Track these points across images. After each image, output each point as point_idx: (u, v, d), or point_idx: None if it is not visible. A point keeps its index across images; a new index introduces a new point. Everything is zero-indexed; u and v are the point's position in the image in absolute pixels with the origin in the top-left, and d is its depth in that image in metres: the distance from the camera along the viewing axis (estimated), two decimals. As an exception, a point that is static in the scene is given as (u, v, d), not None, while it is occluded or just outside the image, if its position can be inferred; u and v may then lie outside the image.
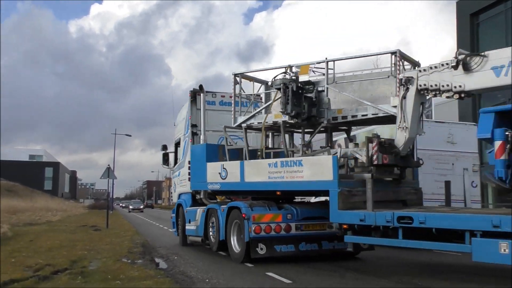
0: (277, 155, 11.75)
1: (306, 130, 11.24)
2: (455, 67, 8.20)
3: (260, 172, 11.06)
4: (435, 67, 8.60)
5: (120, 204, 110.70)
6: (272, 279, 8.89)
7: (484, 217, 7.30)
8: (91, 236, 18.66)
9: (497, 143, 7.58)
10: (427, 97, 9.52)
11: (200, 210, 13.62)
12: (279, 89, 10.32)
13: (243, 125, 12.00)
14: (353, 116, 10.33)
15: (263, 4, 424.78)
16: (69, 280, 8.54)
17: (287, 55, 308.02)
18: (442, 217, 7.96)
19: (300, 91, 10.36)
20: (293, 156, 11.04)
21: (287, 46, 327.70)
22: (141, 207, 73.92)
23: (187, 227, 14.67)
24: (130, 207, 73.26)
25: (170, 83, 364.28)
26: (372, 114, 9.98)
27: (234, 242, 11.50)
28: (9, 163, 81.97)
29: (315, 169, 9.82)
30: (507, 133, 7.56)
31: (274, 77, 10.95)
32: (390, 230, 8.35)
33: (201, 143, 13.62)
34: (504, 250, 6.87)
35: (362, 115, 10.15)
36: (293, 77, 10.57)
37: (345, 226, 9.22)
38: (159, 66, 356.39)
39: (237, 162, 11.82)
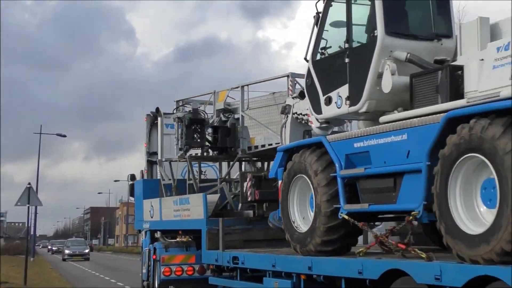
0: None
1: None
2: (300, 97, 7.81)
3: (169, 211, 10.78)
4: None
5: (49, 246, 76.64)
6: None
7: (268, 257, 7.54)
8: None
9: (279, 183, 7.27)
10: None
11: (146, 251, 12.38)
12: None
13: (162, 158, 11.78)
14: (262, 146, 10.03)
15: None
16: None
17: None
18: (254, 257, 8.09)
19: (201, 124, 10.29)
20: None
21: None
22: (86, 251, 46.42)
23: (143, 271, 12.82)
24: (66, 251, 45.56)
25: (134, 52, 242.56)
26: (275, 143, 9.30)
27: (155, 284, 10.84)
28: None
29: (196, 207, 9.71)
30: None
31: (173, 110, 11.10)
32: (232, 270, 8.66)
33: (158, 175, 12.65)
34: None
35: (269, 145, 9.82)
36: (190, 110, 10.54)
37: (211, 267, 9.31)
38: (116, 25, 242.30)
39: (158, 200, 11.46)
